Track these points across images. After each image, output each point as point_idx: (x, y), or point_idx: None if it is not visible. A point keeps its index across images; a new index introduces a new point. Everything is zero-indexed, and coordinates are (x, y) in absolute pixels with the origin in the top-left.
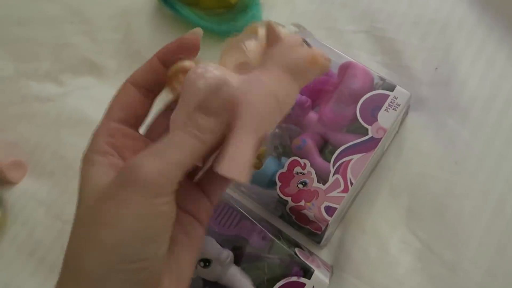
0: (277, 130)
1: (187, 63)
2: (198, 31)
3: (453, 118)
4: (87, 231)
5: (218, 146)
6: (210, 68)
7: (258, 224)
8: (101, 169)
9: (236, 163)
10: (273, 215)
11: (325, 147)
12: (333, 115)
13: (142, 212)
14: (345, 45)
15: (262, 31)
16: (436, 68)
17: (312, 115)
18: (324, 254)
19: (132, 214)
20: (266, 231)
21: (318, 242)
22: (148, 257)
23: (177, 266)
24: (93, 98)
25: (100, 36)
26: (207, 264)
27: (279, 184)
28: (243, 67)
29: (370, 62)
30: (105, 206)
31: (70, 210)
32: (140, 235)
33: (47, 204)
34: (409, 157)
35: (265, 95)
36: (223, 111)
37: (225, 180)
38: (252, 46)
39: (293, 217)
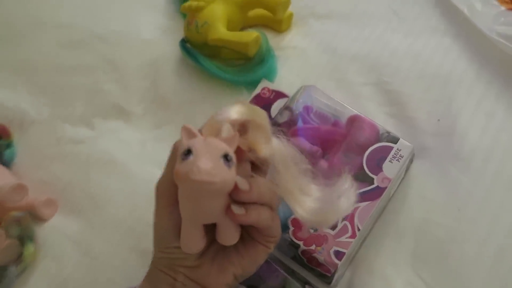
0: None
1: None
2: None
3: (455, 166)
4: None
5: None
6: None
7: (273, 264)
8: None
9: (185, 245)
10: (285, 256)
11: None
12: (341, 164)
13: None
14: (354, 96)
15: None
16: (439, 120)
17: (323, 163)
18: None
19: None
20: (279, 269)
21: (329, 283)
22: None
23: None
24: (120, 141)
25: (129, 83)
26: None
27: (291, 228)
28: None
29: (377, 113)
30: None
31: (97, 246)
32: None
33: (76, 240)
34: (414, 202)
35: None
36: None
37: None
38: None
39: (305, 259)
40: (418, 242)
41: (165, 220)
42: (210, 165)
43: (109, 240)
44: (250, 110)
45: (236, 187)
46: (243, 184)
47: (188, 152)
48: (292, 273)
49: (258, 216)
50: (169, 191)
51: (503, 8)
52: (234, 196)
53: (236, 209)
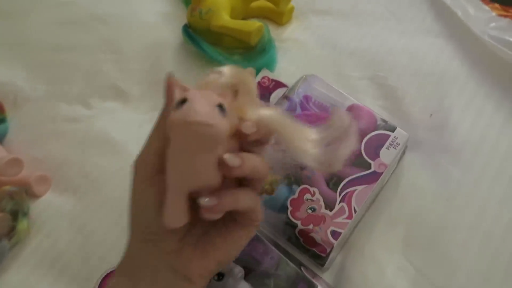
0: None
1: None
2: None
3: (445, 159)
4: None
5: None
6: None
7: (269, 245)
8: None
9: (168, 216)
10: (280, 237)
11: (330, 179)
12: None
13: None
14: (351, 89)
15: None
16: (431, 115)
17: None
18: (326, 276)
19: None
20: (275, 250)
21: (322, 265)
22: None
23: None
24: (117, 121)
25: (128, 66)
26: (220, 277)
27: (290, 208)
28: None
29: (372, 106)
30: None
31: (91, 224)
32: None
33: (70, 218)
34: (406, 192)
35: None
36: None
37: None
38: None
39: (301, 239)
40: (409, 228)
41: (145, 193)
42: (207, 109)
43: (103, 219)
44: (240, 73)
45: (226, 165)
46: (234, 160)
47: (183, 101)
48: (286, 254)
49: (253, 167)
50: (151, 163)
51: (494, 13)
52: (227, 173)
53: (230, 158)
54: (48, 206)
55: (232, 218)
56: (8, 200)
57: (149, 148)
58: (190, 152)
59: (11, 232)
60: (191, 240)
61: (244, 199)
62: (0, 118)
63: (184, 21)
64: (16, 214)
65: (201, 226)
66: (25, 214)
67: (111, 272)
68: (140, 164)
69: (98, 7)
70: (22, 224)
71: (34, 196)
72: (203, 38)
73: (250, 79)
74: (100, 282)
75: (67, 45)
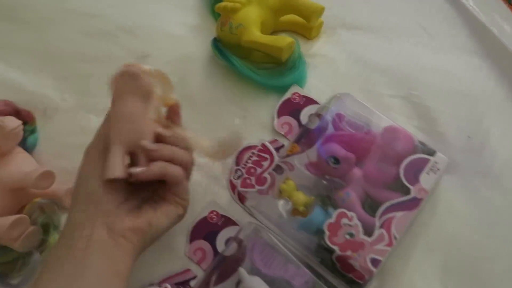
0: (324, 182)
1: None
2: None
3: (485, 183)
4: None
5: None
6: None
7: (303, 268)
8: None
9: (108, 168)
10: (312, 259)
11: (365, 201)
12: (377, 173)
13: None
14: (383, 108)
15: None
16: (469, 137)
17: (356, 171)
18: None
19: None
20: (309, 273)
21: None
22: None
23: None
24: None
25: None
26: None
27: (327, 233)
28: None
29: (406, 126)
30: None
31: None
32: None
33: None
34: (443, 217)
35: (119, 117)
36: None
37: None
38: None
39: (338, 265)
40: (447, 256)
41: (92, 166)
42: (138, 69)
43: None
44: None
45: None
46: (151, 145)
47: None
48: (321, 278)
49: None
50: (98, 145)
51: None
52: (147, 155)
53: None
54: None
55: (162, 198)
56: (39, 213)
57: (97, 135)
58: (125, 95)
59: (42, 245)
60: (126, 207)
61: (172, 171)
62: (31, 129)
63: (212, 34)
64: (47, 227)
65: (135, 200)
66: (56, 227)
67: None
68: (90, 147)
69: (127, 18)
70: (53, 238)
71: (64, 208)
72: (232, 52)
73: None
74: None
75: (95, 56)
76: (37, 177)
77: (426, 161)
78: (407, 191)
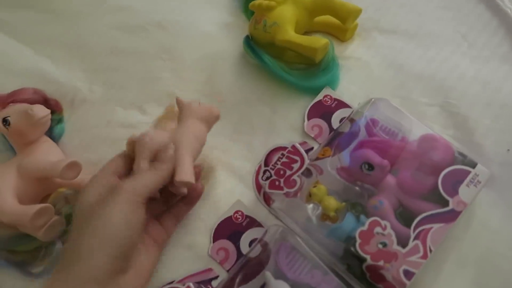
0: (357, 188)
1: (135, 135)
2: None
3: None
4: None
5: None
6: (148, 131)
7: (331, 274)
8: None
9: (186, 172)
10: (338, 266)
11: (397, 210)
12: (412, 182)
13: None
14: (418, 116)
15: (176, 108)
16: (508, 150)
17: (390, 179)
18: None
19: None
20: (337, 282)
21: None
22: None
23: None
24: None
25: (185, 75)
26: None
27: (359, 240)
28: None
29: (442, 135)
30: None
31: None
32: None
33: None
34: (477, 232)
35: (188, 133)
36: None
37: (176, 217)
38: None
39: (368, 274)
40: (480, 271)
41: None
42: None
43: None
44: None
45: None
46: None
47: None
48: (348, 286)
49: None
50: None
51: None
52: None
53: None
54: None
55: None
56: (63, 203)
57: (143, 183)
58: (192, 118)
59: (65, 235)
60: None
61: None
62: (58, 118)
63: (243, 32)
64: (71, 217)
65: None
66: None
67: None
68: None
69: (158, 13)
70: None
71: None
72: (265, 51)
73: None
74: None
75: (125, 49)
76: (64, 167)
77: (466, 173)
78: (445, 203)
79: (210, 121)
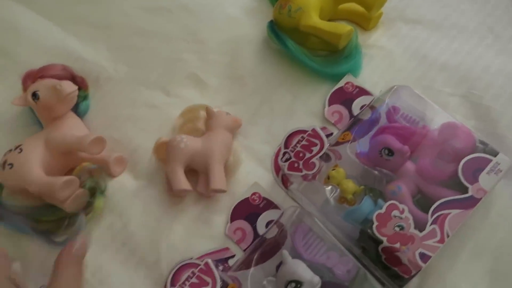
0: (376, 173)
1: (164, 138)
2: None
3: None
4: None
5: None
6: (182, 137)
7: (347, 256)
8: None
9: (219, 180)
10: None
11: (415, 196)
12: (432, 169)
13: None
14: (440, 105)
15: (203, 111)
16: None
17: (409, 165)
18: None
19: None
20: (353, 263)
21: (400, 286)
22: None
23: None
24: None
25: (209, 57)
26: (298, 286)
27: (376, 223)
28: (194, 131)
29: None
30: None
31: (163, 212)
32: None
33: (142, 201)
34: (496, 221)
35: (219, 142)
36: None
37: None
38: (201, 120)
39: (384, 256)
40: (497, 262)
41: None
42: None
43: (172, 208)
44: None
45: None
46: None
47: None
48: (365, 268)
49: None
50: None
51: None
52: None
53: None
54: (122, 188)
55: None
56: (87, 176)
57: None
58: (220, 128)
59: (87, 208)
60: None
61: None
62: (84, 95)
63: (267, 18)
64: (94, 191)
65: None
66: (102, 192)
67: (186, 264)
68: None
69: None
70: (99, 202)
71: (111, 175)
72: (288, 36)
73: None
74: (173, 275)
75: (150, 30)
76: (90, 141)
77: (487, 161)
78: (464, 190)
79: (235, 130)
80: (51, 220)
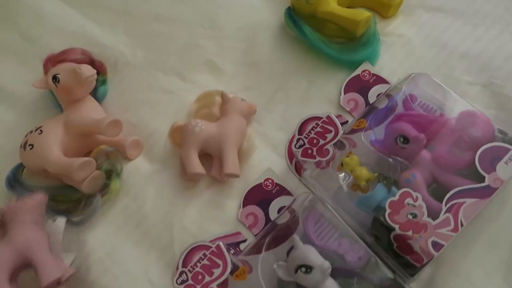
0: (390, 160)
1: (179, 123)
2: None
3: None
4: None
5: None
6: (197, 121)
7: (359, 243)
8: None
9: (233, 165)
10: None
11: (430, 185)
12: (449, 157)
13: None
14: (459, 94)
15: (218, 97)
16: None
17: (425, 153)
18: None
19: None
20: (365, 250)
21: (412, 275)
22: None
23: None
24: None
25: (225, 43)
26: (308, 270)
27: (388, 210)
28: (210, 117)
29: None
30: None
31: (177, 196)
32: None
33: (156, 185)
34: None
35: (233, 127)
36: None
37: None
38: (216, 105)
39: (395, 244)
40: None
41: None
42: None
43: (186, 191)
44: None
45: None
46: None
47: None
48: (377, 255)
49: None
50: None
51: None
52: None
53: None
54: (137, 171)
55: None
56: (104, 159)
57: None
58: (235, 113)
59: (104, 189)
60: None
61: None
62: (103, 80)
63: (284, 5)
64: (110, 173)
65: None
66: (118, 174)
67: (197, 246)
68: None
69: None
70: (115, 184)
71: (127, 158)
72: (305, 23)
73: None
74: (185, 256)
75: (168, 16)
76: (108, 123)
77: (506, 150)
78: (481, 179)
79: (249, 116)
80: (69, 200)
